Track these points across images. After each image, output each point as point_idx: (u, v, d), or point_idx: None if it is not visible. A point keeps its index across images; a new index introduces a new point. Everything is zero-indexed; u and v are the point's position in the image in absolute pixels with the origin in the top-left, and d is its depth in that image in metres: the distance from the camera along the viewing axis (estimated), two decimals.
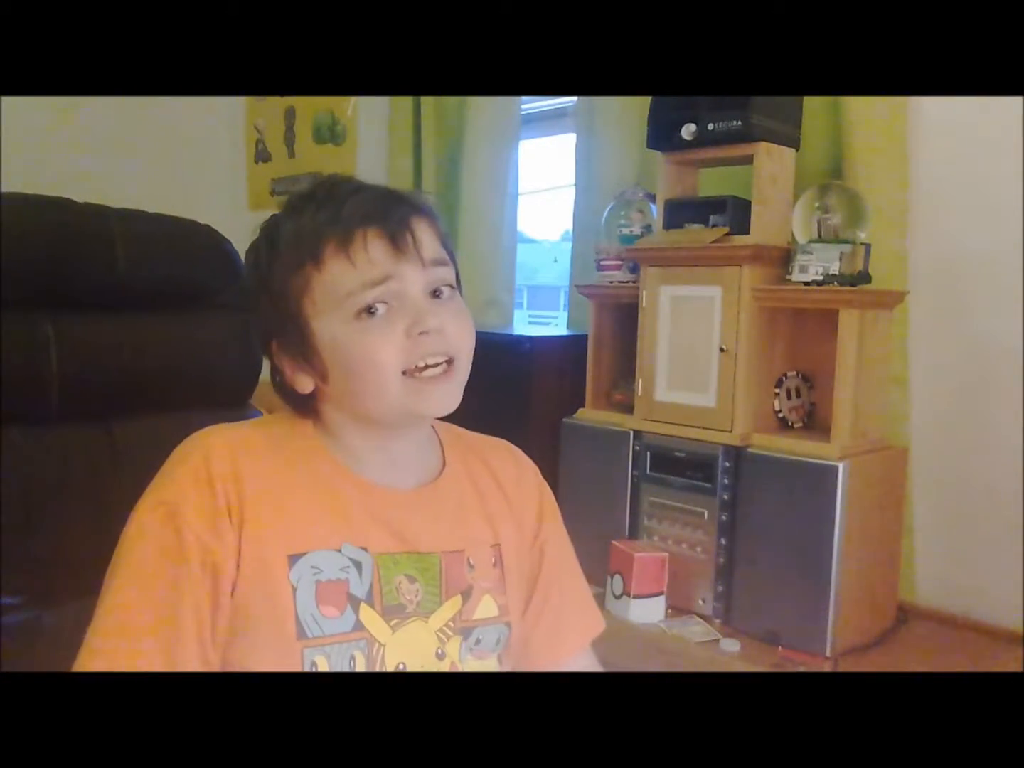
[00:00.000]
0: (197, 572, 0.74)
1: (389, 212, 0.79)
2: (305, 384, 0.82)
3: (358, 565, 0.80)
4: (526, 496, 0.94)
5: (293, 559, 0.77)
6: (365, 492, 0.83)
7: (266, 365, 0.87)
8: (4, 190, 1.06)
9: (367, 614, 0.79)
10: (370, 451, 0.84)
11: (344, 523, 0.81)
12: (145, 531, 0.75)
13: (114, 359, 1.10)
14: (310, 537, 0.79)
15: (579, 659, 0.96)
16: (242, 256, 1.20)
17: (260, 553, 0.76)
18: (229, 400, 1.23)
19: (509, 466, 0.95)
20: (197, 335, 1.19)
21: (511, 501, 0.92)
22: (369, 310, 0.77)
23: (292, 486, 0.80)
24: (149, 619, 0.73)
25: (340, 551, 0.80)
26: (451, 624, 0.84)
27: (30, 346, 1.04)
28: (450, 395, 0.81)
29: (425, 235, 0.80)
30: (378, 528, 0.82)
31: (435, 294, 0.81)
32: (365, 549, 0.81)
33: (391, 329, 0.78)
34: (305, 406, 0.84)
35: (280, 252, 0.80)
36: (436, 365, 0.79)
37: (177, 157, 2.99)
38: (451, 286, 0.83)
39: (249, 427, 0.87)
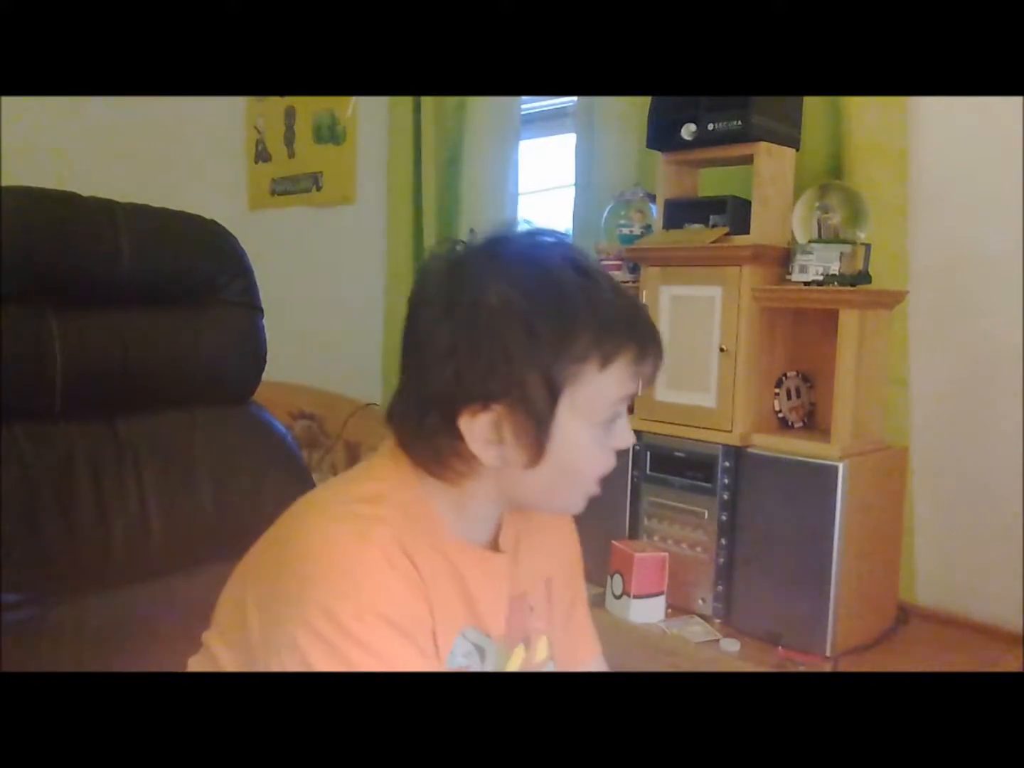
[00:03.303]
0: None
1: (658, 333, 0.78)
2: (494, 459, 0.75)
3: (481, 651, 0.78)
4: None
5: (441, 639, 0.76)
6: (477, 563, 0.79)
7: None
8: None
9: None
10: (478, 516, 0.81)
11: (468, 604, 0.78)
12: (373, 647, 0.69)
13: (118, 355, 1.10)
14: (450, 621, 0.76)
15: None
16: (244, 250, 1.22)
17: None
18: (233, 396, 1.23)
19: None
20: (202, 331, 1.19)
21: (546, 519, 0.91)
22: (611, 420, 0.77)
23: (431, 564, 0.75)
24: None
25: (464, 635, 0.78)
26: None
27: (34, 342, 1.04)
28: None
29: None
30: (494, 607, 0.80)
31: None
32: (488, 636, 0.79)
33: (607, 444, 0.77)
34: (451, 468, 0.76)
35: (573, 333, 0.71)
36: None
37: (177, 157, 2.99)
38: None
39: (377, 497, 0.76)
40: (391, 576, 0.70)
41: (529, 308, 0.71)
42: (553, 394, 0.72)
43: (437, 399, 0.74)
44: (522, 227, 0.78)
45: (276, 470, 1.22)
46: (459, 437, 0.73)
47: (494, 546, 0.83)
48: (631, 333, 0.74)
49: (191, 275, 1.19)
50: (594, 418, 0.75)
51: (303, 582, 0.70)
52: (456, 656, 0.76)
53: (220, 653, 0.79)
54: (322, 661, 0.67)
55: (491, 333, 0.71)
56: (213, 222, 1.22)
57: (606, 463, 0.78)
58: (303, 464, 1.29)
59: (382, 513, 0.74)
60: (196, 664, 0.83)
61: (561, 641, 0.92)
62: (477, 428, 0.73)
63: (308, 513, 0.77)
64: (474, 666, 0.77)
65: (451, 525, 0.78)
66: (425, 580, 0.73)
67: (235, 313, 1.21)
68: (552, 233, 0.78)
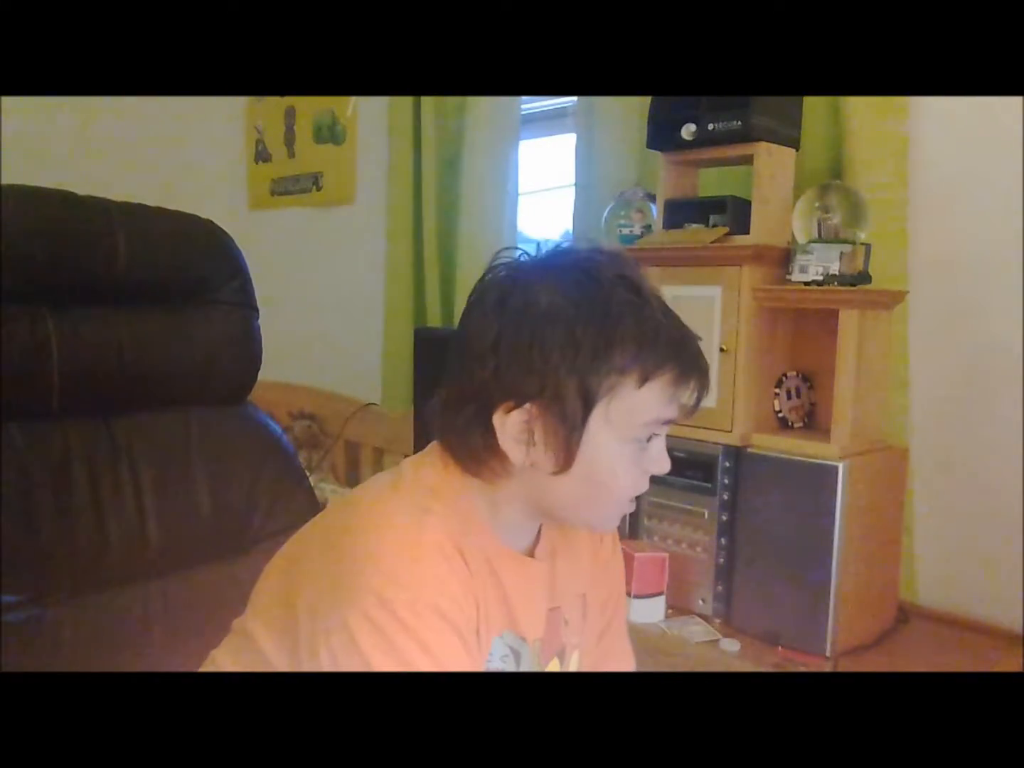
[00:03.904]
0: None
1: (705, 364, 0.79)
2: (523, 459, 0.76)
3: (517, 655, 0.79)
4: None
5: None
6: (514, 566, 0.80)
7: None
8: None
9: None
10: (513, 522, 0.81)
11: (505, 607, 0.79)
12: (423, 638, 0.69)
13: (114, 354, 1.10)
14: (491, 621, 0.77)
15: None
16: (239, 250, 1.22)
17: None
18: (228, 396, 1.23)
19: None
20: (197, 330, 1.19)
21: (584, 538, 0.91)
22: (647, 439, 0.77)
23: (476, 563, 0.76)
24: None
25: (502, 637, 0.78)
26: None
27: (31, 341, 1.04)
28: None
29: None
30: (531, 611, 0.81)
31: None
32: (524, 639, 0.80)
33: (644, 467, 0.78)
34: (486, 465, 0.78)
35: (614, 344, 0.73)
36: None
37: (177, 157, 2.99)
38: None
39: (430, 490, 0.77)
40: (445, 569, 0.71)
41: (574, 315, 0.73)
42: (587, 402, 0.73)
43: (474, 393, 0.75)
44: (585, 245, 0.80)
45: (271, 469, 1.22)
46: (493, 433, 0.75)
47: (530, 555, 0.84)
48: (674, 355, 0.75)
49: (187, 275, 1.18)
50: (627, 434, 0.75)
51: (358, 567, 0.70)
52: (494, 659, 0.77)
53: (260, 635, 0.79)
54: (371, 647, 0.68)
55: (534, 333, 0.73)
56: (209, 222, 1.22)
57: (637, 483, 0.78)
58: (298, 464, 1.29)
59: (436, 507, 0.75)
60: (229, 648, 0.84)
61: (592, 657, 0.92)
62: (509, 425, 0.74)
63: (363, 501, 0.78)
64: (509, 669, 0.78)
65: (490, 527, 0.79)
66: (473, 577, 0.74)
67: (230, 313, 1.21)
68: (611, 252, 0.79)
